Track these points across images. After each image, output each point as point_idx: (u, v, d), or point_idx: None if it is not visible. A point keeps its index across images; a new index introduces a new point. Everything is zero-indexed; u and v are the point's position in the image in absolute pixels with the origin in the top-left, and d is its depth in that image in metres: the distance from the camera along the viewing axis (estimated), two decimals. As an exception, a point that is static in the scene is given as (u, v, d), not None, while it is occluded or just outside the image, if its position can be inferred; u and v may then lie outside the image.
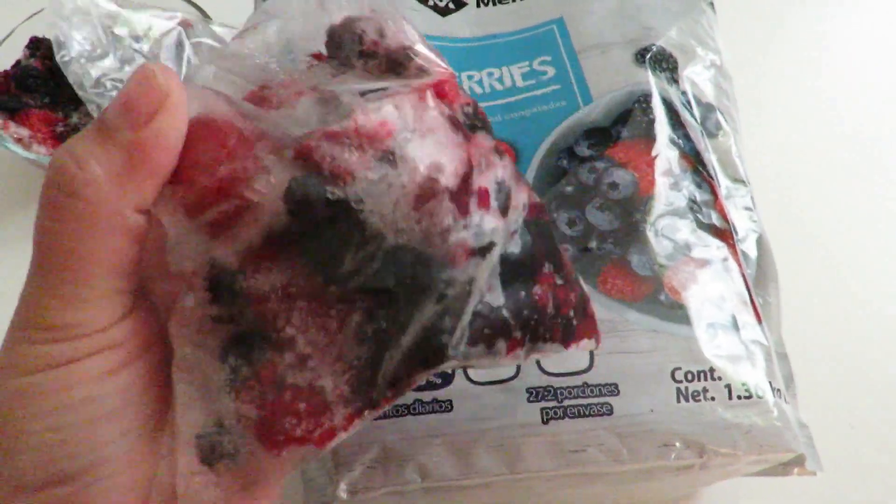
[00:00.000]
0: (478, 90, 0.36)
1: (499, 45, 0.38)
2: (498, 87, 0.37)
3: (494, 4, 0.40)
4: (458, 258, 0.17)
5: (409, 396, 0.27)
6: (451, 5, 0.40)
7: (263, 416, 0.17)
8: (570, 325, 0.20)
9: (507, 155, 0.20)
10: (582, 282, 0.29)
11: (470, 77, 0.37)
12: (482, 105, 0.36)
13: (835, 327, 0.40)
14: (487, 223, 0.18)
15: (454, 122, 0.19)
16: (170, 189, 0.17)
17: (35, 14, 0.44)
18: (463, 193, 0.17)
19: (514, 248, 0.18)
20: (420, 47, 0.19)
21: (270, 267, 0.16)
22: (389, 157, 0.17)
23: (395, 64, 0.18)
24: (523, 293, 0.18)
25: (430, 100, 0.18)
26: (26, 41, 0.44)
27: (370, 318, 0.16)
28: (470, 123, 0.19)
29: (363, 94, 0.18)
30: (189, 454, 0.17)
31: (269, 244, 0.16)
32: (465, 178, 0.18)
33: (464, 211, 0.17)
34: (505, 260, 0.18)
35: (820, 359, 0.38)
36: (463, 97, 0.20)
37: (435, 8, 0.40)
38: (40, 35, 0.44)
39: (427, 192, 0.17)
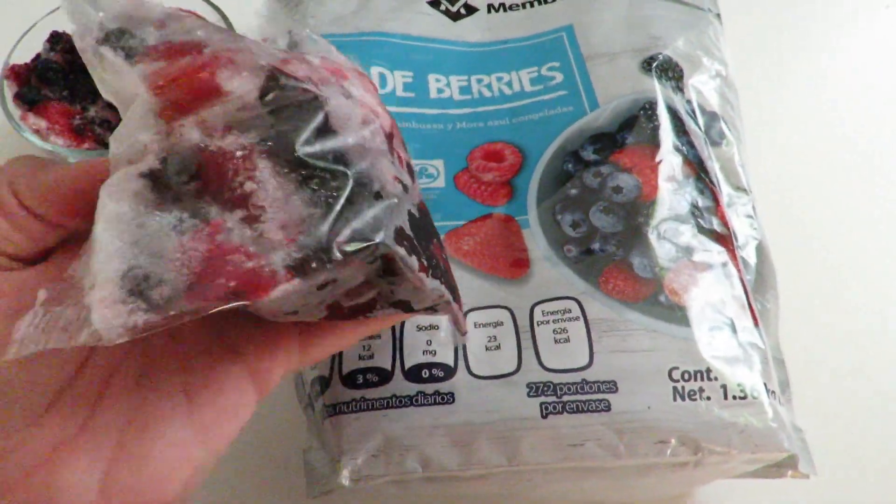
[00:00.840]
0: (486, 93, 0.37)
1: (508, 50, 0.39)
2: (506, 91, 0.37)
3: (505, 11, 0.41)
4: (389, 175, 0.20)
5: (412, 388, 0.28)
6: (463, 10, 0.41)
7: (210, 250, 0.17)
8: (454, 289, 0.24)
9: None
10: (582, 280, 0.30)
11: (479, 81, 0.38)
12: (491, 108, 0.37)
13: (833, 336, 0.41)
14: (404, 174, 0.21)
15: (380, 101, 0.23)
16: (146, 66, 0.18)
17: (56, 9, 0.45)
18: (390, 142, 0.21)
19: (416, 212, 0.22)
20: (348, 63, 0.23)
21: (238, 133, 0.18)
22: (345, 91, 0.20)
23: None
24: (424, 242, 0.21)
25: (366, 76, 0.23)
26: (47, 35, 0.45)
27: (325, 185, 0.18)
28: None
29: None
30: (110, 289, 0.16)
31: (238, 119, 0.18)
32: (391, 136, 0.21)
33: (391, 152, 0.21)
34: (410, 216, 0.21)
35: (818, 366, 0.39)
36: None
37: (446, 13, 0.41)
38: (60, 30, 0.45)
39: (369, 120, 0.20)
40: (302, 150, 0.18)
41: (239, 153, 0.18)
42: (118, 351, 0.20)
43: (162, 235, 0.17)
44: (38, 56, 0.44)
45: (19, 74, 0.43)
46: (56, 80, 0.43)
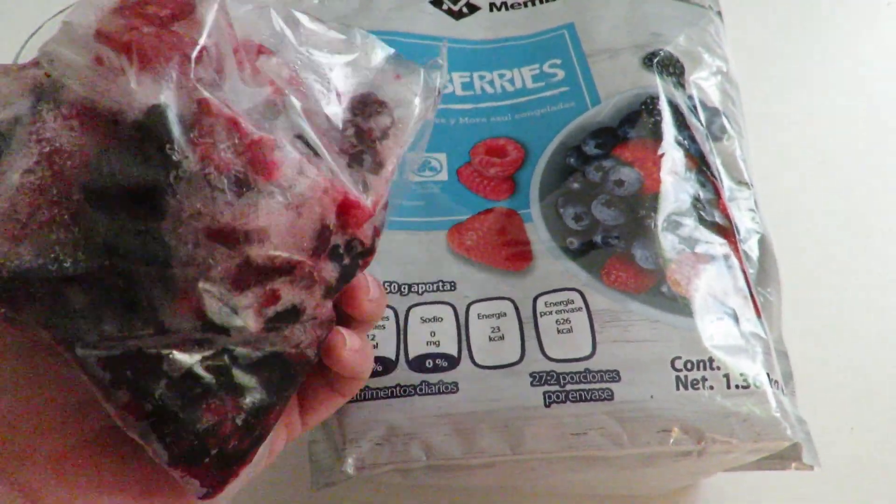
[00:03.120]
0: (489, 90, 0.38)
1: (510, 47, 0.39)
2: (509, 87, 0.38)
3: (507, 9, 0.41)
4: None
5: (416, 378, 0.28)
6: (465, 9, 0.41)
7: None
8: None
9: None
10: (585, 272, 0.30)
11: (481, 77, 0.38)
12: (493, 104, 0.37)
13: (836, 329, 0.41)
14: None
15: None
16: None
17: (63, 10, 0.46)
18: None
19: None
20: None
21: None
22: None
23: None
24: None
25: None
26: (54, 36, 0.45)
27: None
28: None
29: None
30: None
31: None
32: None
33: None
34: None
35: (821, 361, 0.39)
36: None
37: (449, 11, 0.41)
38: (68, 30, 0.45)
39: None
40: None
41: None
42: None
43: None
44: (45, 56, 0.45)
45: (27, 74, 0.44)
46: (63, 80, 0.43)
